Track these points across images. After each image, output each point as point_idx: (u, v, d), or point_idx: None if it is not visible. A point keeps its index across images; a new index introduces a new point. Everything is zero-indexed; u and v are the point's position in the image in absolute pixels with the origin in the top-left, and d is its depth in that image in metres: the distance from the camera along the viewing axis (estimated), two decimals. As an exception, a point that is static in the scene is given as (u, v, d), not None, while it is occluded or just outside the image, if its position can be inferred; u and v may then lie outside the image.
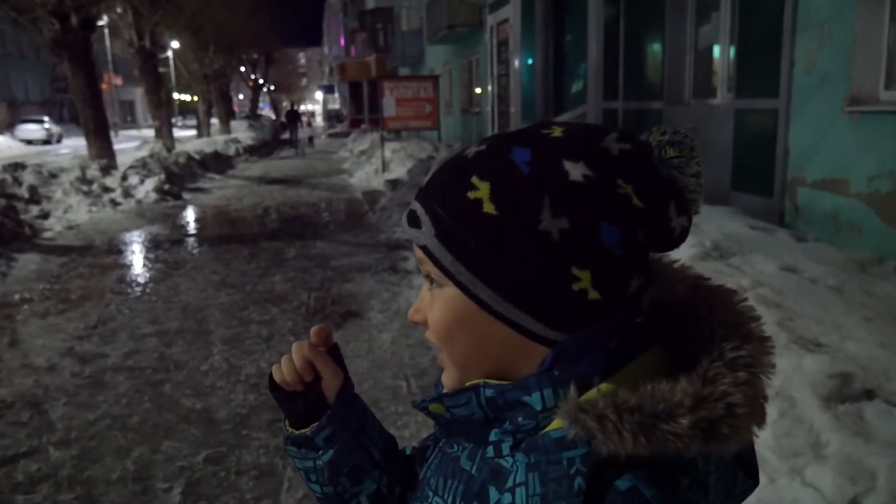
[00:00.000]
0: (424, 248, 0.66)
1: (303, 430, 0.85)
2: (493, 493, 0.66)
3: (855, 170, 5.57)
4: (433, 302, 0.69)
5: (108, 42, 40.74)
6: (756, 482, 0.70)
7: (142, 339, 5.15)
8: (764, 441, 2.42)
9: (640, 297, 0.66)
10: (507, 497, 0.63)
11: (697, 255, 4.20)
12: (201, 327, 5.42)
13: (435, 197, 0.66)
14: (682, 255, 2.99)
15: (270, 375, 0.85)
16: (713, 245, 4.33)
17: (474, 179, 0.64)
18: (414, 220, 0.67)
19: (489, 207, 0.63)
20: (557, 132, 0.66)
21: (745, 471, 0.69)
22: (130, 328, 5.42)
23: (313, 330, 0.84)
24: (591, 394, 0.61)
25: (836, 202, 5.80)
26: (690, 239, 4.61)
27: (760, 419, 0.60)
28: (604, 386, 0.61)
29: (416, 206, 0.68)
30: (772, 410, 2.48)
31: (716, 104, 8.03)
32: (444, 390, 0.72)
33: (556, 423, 0.61)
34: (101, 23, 28.27)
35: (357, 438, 0.87)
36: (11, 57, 49.79)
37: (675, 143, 0.66)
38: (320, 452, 0.86)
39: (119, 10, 19.99)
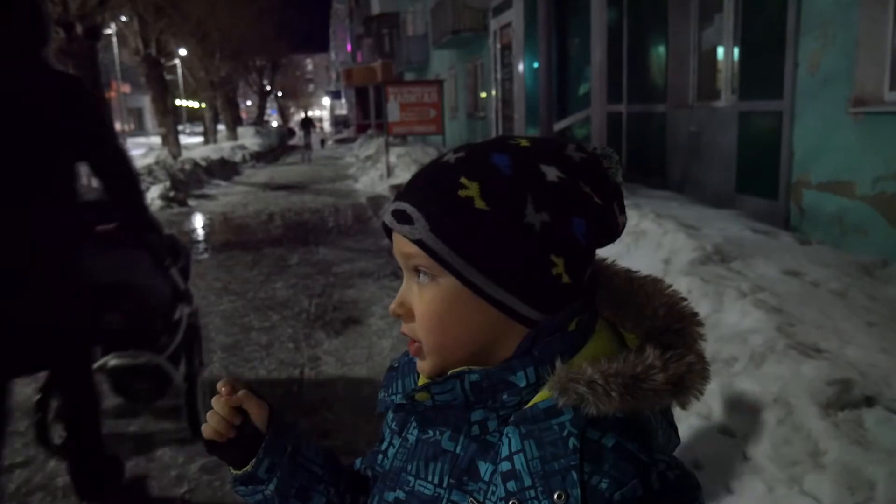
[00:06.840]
0: (419, 243, 0.72)
1: (245, 468, 0.89)
2: (483, 467, 0.73)
3: (860, 171, 5.50)
4: (422, 294, 0.75)
5: (116, 50, 40.98)
6: (679, 440, 0.81)
7: (142, 347, 5.13)
8: (762, 449, 2.38)
9: (591, 283, 0.78)
10: (506, 465, 0.69)
11: (698, 259, 4.13)
12: (201, 335, 5.40)
13: (425, 197, 0.73)
14: (683, 259, 2.91)
15: (204, 439, 0.89)
16: (714, 249, 4.26)
17: (463, 180, 0.72)
18: (404, 218, 0.73)
19: (480, 203, 0.71)
20: (524, 143, 0.76)
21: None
22: (131, 336, 5.40)
23: (220, 384, 0.88)
24: (575, 364, 0.70)
25: (841, 204, 5.73)
26: (691, 242, 4.57)
27: (708, 375, 0.73)
28: (586, 353, 0.72)
29: (405, 206, 0.74)
30: (770, 417, 2.43)
31: (720, 107, 7.97)
32: (423, 379, 0.79)
33: (541, 396, 0.70)
34: (109, 31, 28.42)
35: (295, 460, 0.91)
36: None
37: (606, 155, 0.78)
38: (266, 484, 0.90)
39: (125, 18, 20.06)
